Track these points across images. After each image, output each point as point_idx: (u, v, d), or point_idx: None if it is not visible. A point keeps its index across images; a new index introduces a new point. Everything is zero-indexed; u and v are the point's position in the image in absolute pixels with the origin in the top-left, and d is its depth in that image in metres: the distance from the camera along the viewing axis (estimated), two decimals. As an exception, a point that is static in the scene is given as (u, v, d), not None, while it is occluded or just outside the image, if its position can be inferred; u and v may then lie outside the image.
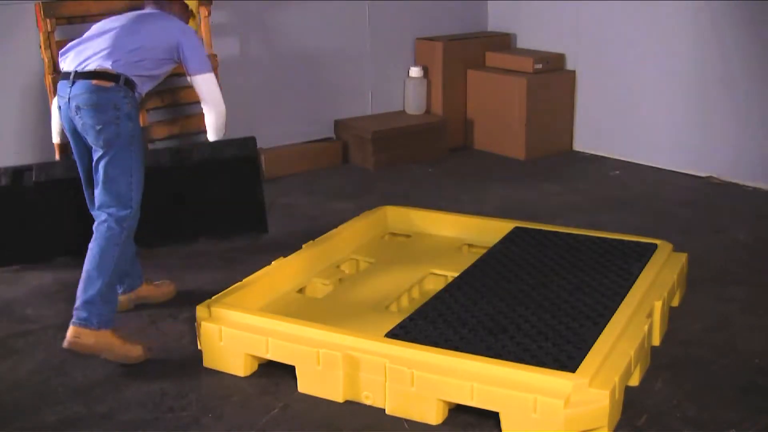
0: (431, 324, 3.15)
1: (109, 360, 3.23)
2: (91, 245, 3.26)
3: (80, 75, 3.30)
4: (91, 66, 3.31)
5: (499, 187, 5.57)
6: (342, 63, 6.19)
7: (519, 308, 3.27)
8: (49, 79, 4.77)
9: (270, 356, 3.11)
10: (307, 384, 3.04)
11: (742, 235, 4.60)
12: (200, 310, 3.30)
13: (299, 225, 4.56)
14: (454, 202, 5.15)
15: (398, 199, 4.84)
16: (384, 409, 2.92)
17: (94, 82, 3.26)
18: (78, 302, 3.21)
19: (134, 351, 3.26)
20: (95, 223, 3.28)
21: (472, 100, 6.51)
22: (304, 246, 3.92)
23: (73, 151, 3.47)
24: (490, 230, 4.15)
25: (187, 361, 3.31)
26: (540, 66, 6.19)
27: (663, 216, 4.93)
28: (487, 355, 2.87)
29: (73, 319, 3.20)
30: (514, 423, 2.71)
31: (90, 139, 3.29)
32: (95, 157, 3.29)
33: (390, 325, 3.16)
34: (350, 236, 4.12)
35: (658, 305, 3.31)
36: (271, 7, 5.75)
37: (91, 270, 3.22)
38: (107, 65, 3.30)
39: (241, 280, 3.53)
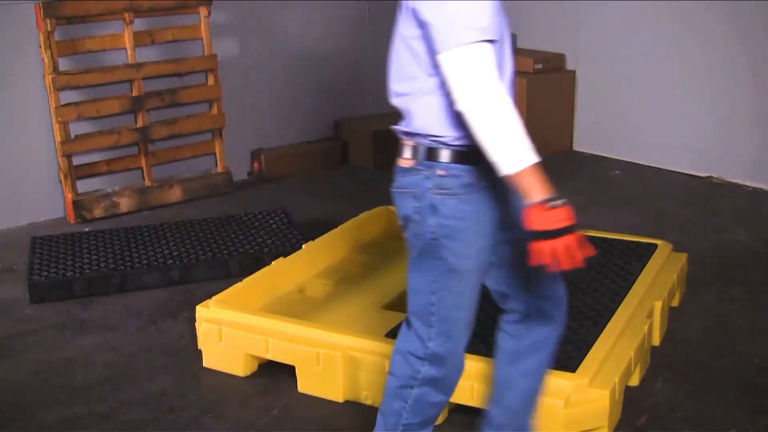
0: (431, 324, 3.14)
1: None
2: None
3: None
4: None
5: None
6: (342, 63, 6.19)
7: (519, 308, 3.26)
8: (49, 79, 4.77)
9: (270, 356, 3.11)
10: (307, 384, 3.04)
11: (742, 235, 4.60)
12: (200, 310, 3.30)
13: (299, 225, 4.55)
14: (454, 202, 5.15)
15: (398, 199, 4.83)
16: (384, 409, 2.91)
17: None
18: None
19: None
20: None
21: (472, 100, 6.49)
22: (304, 246, 3.92)
23: None
24: (490, 230, 4.14)
25: (187, 361, 3.31)
26: (540, 66, 6.19)
27: (663, 216, 4.93)
28: (487, 355, 2.86)
29: None
30: (514, 423, 2.70)
31: None
32: None
33: (390, 325, 3.16)
34: (350, 236, 4.12)
35: (658, 305, 3.31)
36: (271, 7, 5.74)
37: (382, 405, 2.38)
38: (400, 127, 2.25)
39: (240, 280, 3.53)
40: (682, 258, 3.78)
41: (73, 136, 4.92)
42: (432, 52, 2.05)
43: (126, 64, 5.04)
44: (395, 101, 2.21)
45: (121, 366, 3.30)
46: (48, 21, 4.70)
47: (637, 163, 5.97)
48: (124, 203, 5.09)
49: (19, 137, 4.88)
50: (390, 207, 4.46)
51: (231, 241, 4.30)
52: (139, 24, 5.09)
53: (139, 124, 5.11)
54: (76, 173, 4.99)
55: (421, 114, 2.14)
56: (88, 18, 4.94)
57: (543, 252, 2.00)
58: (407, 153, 2.19)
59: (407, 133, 2.19)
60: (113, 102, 5.01)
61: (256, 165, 5.84)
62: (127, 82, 5.07)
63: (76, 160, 4.99)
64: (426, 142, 2.15)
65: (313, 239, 3.99)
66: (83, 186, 5.06)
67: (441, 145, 2.14)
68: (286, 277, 3.67)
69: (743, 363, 3.25)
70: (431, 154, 2.14)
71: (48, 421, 2.93)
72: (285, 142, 5.99)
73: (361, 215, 4.35)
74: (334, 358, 2.95)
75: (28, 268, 4.04)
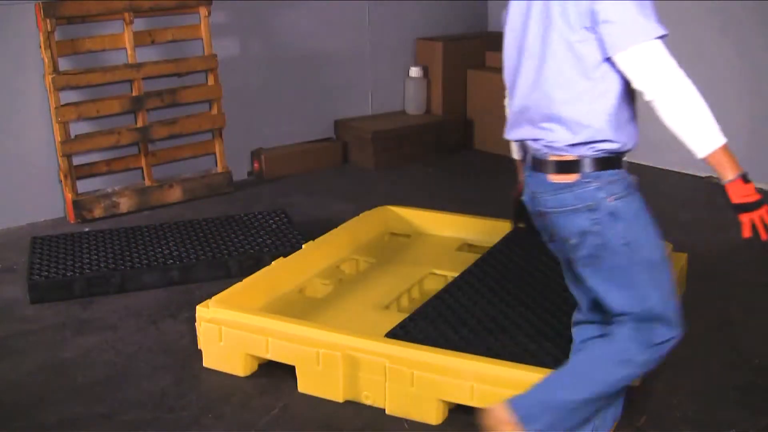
0: (431, 324, 3.15)
1: None
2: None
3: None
4: None
5: (499, 187, 5.56)
6: (342, 63, 6.19)
7: (519, 308, 3.27)
8: (49, 79, 4.77)
9: (270, 356, 3.11)
10: (307, 384, 3.04)
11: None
12: (200, 310, 3.30)
13: (299, 225, 4.55)
14: (454, 202, 5.15)
15: (398, 199, 4.84)
16: (384, 409, 2.92)
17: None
18: (524, 392, 2.44)
19: None
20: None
21: (472, 100, 6.51)
22: (304, 246, 3.92)
23: None
24: (490, 230, 4.15)
25: (187, 361, 3.31)
26: (540, 66, 6.19)
27: (663, 216, 4.91)
28: (487, 355, 2.87)
29: (508, 400, 2.42)
30: (514, 423, 2.71)
31: None
32: None
33: (390, 325, 3.16)
34: (350, 236, 4.12)
35: (658, 305, 3.31)
36: (271, 7, 5.74)
37: (583, 366, 2.42)
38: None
39: (240, 280, 3.53)
40: (682, 258, 3.78)
41: (73, 136, 4.92)
42: (603, 52, 2.12)
43: (126, 64, 5.04)
44: (551, 109, 2.21)
45: (121, 366, 3.30)
46: (48, 21, 4.70)
47: (638, 163, 5.96)
48: (124, 203, 5.09)
49: (19, 137, 4.88)
50: (390, 207, 4.46)
51: (231, 241, 4.30)
52: (139, 24, 5.10)
53: (139, 124, 5.11)
54: (76, 173, 4.99)
55: (592, 120, 2.18)
56: (88, 18, 4.94)
57: (746, 224, 2.14)
58: (565, 168, 2.22)
59: (572, 146, 2.20)
60: (113, 102, 5.01)
61: (256, 165, 5.84)
62: (127, 82, 5.07)
63: (76, 160, 4.99)
64: (590, 152, 2.20)
65: (313, 239, 3.99)
66: (83, 186, 5.06)
67: (604, 153, 2.20)
68: (286, 277, 3.67)
69: (743, 363, 3.25)
70: (597, 163, 2.20)
71: (48, 421, 2.93)
72: (285, 142, 5.99)
73: (361, 215, 4.35)
74: (334, 358, 2.95)
75: (28, 268, 4.04)
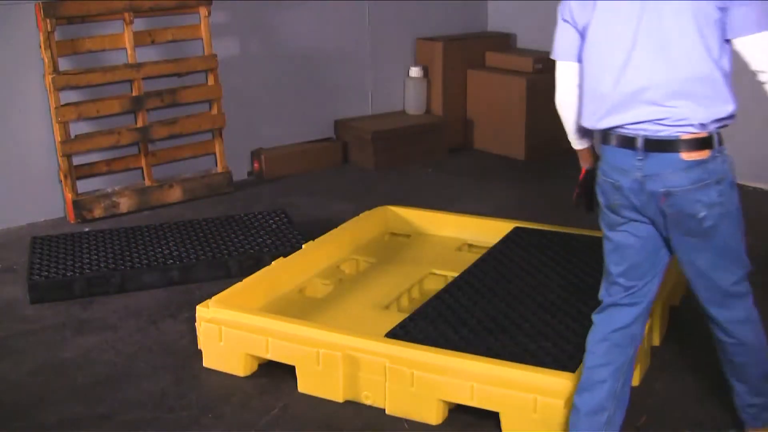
0: (431, 324, 3.15)
1: None
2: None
3: None
4: None
5: (499, 187, 5.57)
6: (342, 63, 6.19)
7: (519, 308, 3.27)
8: (49, 79, 4.77)
9: (270, 356, 3.11)
10: (307, 384, 3.05)
11: (742, 235, 4.59)
12: (200, 310, 3.30)
13: (299, 225, 4.55)
14: (454, 202, 5.15)
15: (398, 199, 4.85)
16: (384, 409, 2.92)
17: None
18: (748, 412, 2.65)
19: None
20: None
21: (472, 100, 6.51)
22: (304, 246, 3.93)
23: None
24: (490, 230, 4.15)
25: (187, 361, 3.31)
26: (540, 66, 6.18)
27: (663, 216, 4.92)
28: (487, 355, 2.87)
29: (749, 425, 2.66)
30: (514, 423, 2.71)
31: None
32: None
33: (390, 325, 3.16)
34: (350, 236, 4.12)
35: (658, 305, 3.31)
36: (271, 7, 5.74)
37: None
38: None
39: (240, 280, 3.53)
40: (682, 258, 3.77)
41: (73, 136, 4.92)
42: (725, 32, 2.23)
43: (126, 64, 5.04)
44: (684, 86, 2.25)
45: (121, 366, 3.30)
46: (48, 21, 4.70)
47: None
48: (124, 203, 5.09)
49: (19, 137, 4.88)
50: (390, 207, 4.46)
51: (231, 241, 4.30)
52: (139, 24, 5.09)
53: (139, 124, 5.11)
54: (76, 173, 4.99)
55: (725, 96, 2.26)
56: (88, 18, 4.94)
57: None
58: (700, 145, 2.27)
59: (706, 122, 2.25)
60: (113, 102, 5.01)
61: (256, 165, 5.84)
62: (127, 82, 5.07)
63: (76, 160, 4.99)
64: (716, 127, 2.28)
65: (313, 239, 3.99)
66: (83, 186, 5.06)
67: (722, 128, 2.30)
68: (286, 277, 3.67)
69: (743, 363, 3.24)
70: (719, 137, 2.30)
71: (48, 421, 2.93)
72: (285, 142, 5.99)
73: (361, 215, 4.35)
74: (334, 358, 2.95)
75: (28, 268, 4.04)
